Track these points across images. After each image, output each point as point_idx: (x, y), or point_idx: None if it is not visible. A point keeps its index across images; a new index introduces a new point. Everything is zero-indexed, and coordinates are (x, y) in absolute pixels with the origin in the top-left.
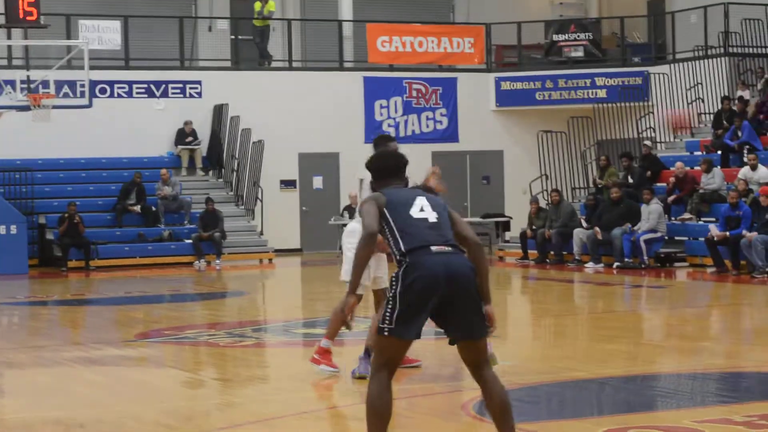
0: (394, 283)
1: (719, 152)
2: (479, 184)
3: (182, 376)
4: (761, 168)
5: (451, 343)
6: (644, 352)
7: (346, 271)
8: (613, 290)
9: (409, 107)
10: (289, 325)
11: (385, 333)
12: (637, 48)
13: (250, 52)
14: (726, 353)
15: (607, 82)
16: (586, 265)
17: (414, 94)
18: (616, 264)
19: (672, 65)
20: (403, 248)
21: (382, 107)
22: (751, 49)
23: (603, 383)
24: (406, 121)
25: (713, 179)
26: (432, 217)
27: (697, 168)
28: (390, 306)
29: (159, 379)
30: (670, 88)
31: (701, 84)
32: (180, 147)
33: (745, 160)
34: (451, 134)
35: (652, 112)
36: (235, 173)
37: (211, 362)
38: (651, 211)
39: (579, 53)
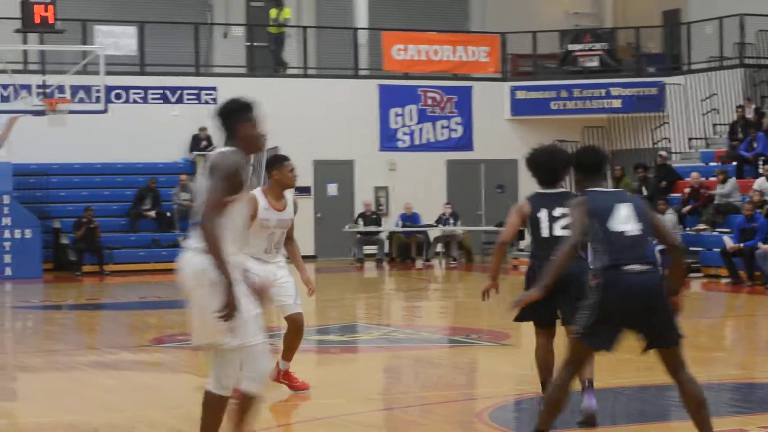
0: (591, 293)
1: (734, 163)
2: (493, 193)
3: (196, 382)
4: None
5: (643, 351)
6: (659, 361)
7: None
8: None
9: (423, 115)
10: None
11: (574, 335)
12: (652, 58)
13: (265, 58)
14: (740, 364)
15: (622, 92)
16: None
17: (429, 102)
18: None
19: (687, 76)
20: (603, 263)
21: (397, 115)
22: (766, 60)
23: (617, 393)
24: (420, 130)
25: (725, 187)
26: (632, 229)
27: (712, 178)
28: (586, 313)
29: (172, 384)
30: (685, 98)
31: (716, 95)
32: (195, 153)
33: (761, 171)
34: (465, 143)
35: (667, 123)
36: (249, 180)
37: None
38: (665, 222)
39: (594, 63)
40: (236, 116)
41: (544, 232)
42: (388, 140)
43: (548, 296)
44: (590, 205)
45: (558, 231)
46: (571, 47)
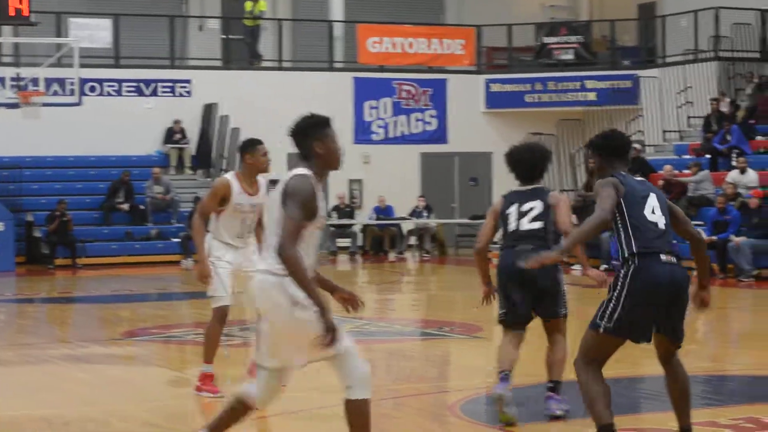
0: (619, 282)
1: (708, 156)
2: (468, 186)
3: (169, 375)
4: (750, 172)
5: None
6: (630, 354)
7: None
8: (601, 293)
9: (398, 108)
10: None
11: (601, 330)
12: (628, 51)
13: (240, 51)
14: (712, 356)
15: (597, 84)
16: (573, 267)
17: (404, 95)
18: (603, 266)
19: (662, 69)
20: (634, 249)
21: (371, 108)
22: (741, 54)
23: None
24: (395, 122)
25: (697, 178)
26: (662, 222)
27: (686, 171)
28: (612, 304)
29: (145, 377)
30: (660, 91)
31: (691, 87)
32: (169, 146)
33: (734, 163)
34: (440, 136)
35: (642, 115)
36: (223, 173)
37: (197, 361)
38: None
39: (569, 56)
40: (311, 133)
41: (511, 226)
42: (362, 133)
43: (523, 298)
44: (621, 188)
45: (525, 225)
46: (546, 40)
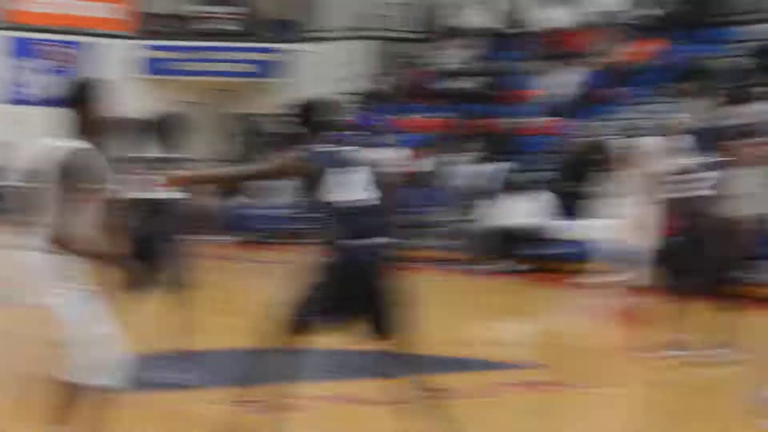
0: (323, 271)
1: (357, 133)
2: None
3: None
4: (398, 150)
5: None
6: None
7: None
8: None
9: (51, 70)
10: None
11: (306, 318)
12: (284, 25)
13: None
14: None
15: (253, 56)
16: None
17: (55, 57)
18: (228, 238)
19: (317, 44)
20: (333, 234)
21: (23, 68)
22: (397, 33)
23: (207, 355)
24: (42, 84)
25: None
26: (367, 194)
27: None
28: (315, 296)
29: None
30: (315, 66)
31: (344, 64)
32: None
33: (380, 141)
34: None
35: (295, 89)
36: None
37: None
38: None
39: (227, 26)
40: (84, 98)
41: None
42: (13, 94)
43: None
44: (318, 166)
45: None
46: (204, 9)
